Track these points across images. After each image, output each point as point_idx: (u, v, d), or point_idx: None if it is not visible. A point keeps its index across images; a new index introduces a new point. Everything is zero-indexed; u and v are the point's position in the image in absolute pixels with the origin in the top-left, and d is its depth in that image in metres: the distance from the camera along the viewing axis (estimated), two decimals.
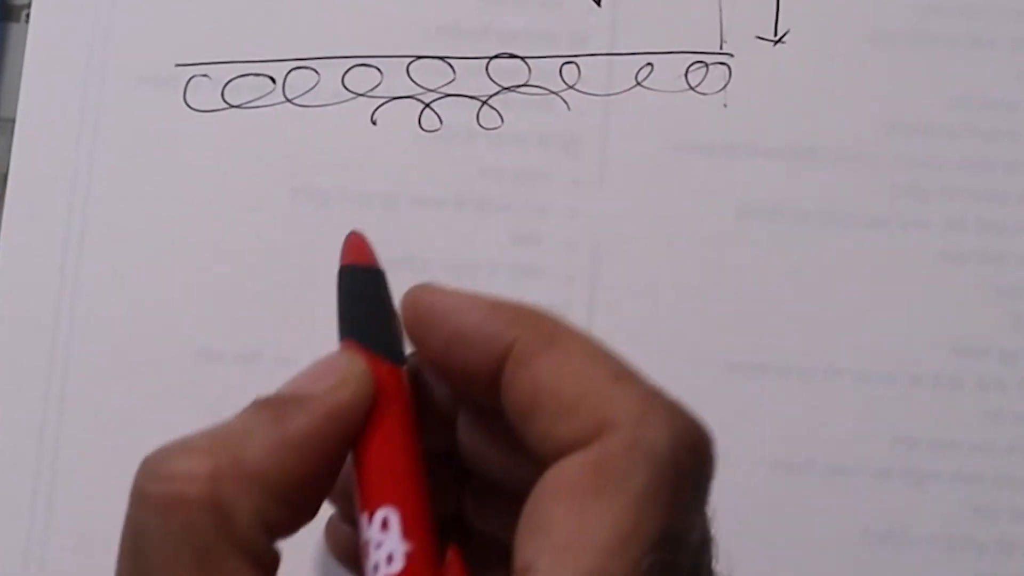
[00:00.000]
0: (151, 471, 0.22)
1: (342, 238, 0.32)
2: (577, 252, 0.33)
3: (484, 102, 0.33)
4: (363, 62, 0.33)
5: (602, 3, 0.33)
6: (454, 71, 0.33)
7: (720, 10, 0.33)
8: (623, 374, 0.22)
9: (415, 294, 0.25)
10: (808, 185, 0.33)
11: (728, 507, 0.31)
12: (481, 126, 0.33)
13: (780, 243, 0.32)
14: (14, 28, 0.35)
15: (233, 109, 0.33)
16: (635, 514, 0.20)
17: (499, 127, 0.33)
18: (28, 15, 0.35)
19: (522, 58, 0.33)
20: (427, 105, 0.33)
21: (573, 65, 0.33)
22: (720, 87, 0.33)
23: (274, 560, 0.22)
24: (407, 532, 0.22)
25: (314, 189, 0.33)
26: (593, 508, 0.20)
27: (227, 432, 0.23)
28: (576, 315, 0.32)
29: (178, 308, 0.32)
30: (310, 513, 0.23)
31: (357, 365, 0.24)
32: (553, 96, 0.33)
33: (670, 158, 0.33)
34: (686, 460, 0.21)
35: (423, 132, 0.33)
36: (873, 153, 0.33)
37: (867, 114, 0.33)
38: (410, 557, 0.22)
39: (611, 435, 0.21)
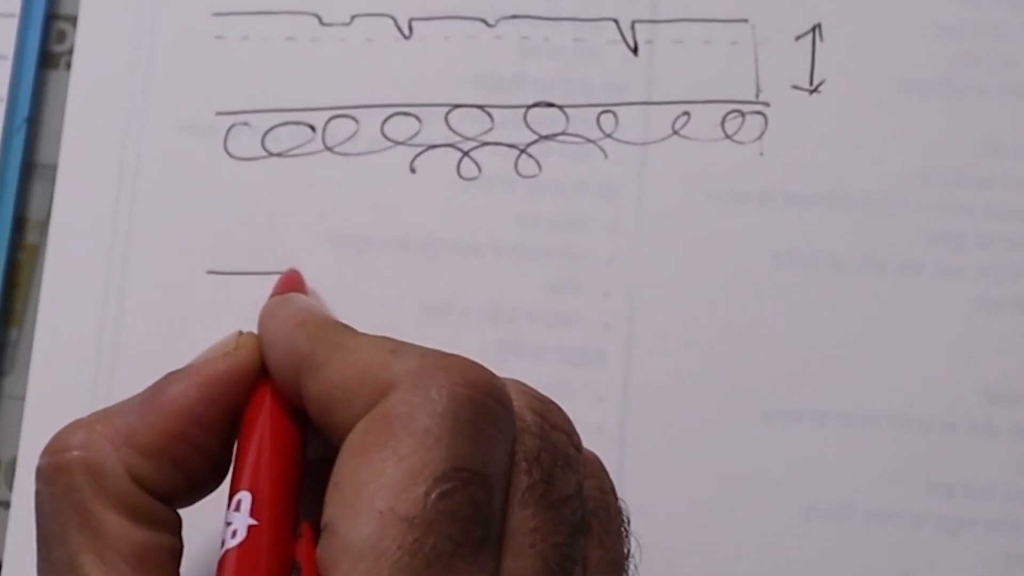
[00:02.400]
0: (44, 448, 0.25)
1: (382, 285, 0.33)
2: (614, 299, 0.33)
3: (522, 150, 0.33)
4: (402, 110, 0.34)
5: (638, 52, 0.34)
6: (492, 120, 0.34)
7: (756, 59, 0.34)
8: (400, 347, 0.23)
9: (270, 300, 0.28)
10: (843, 232, 0.33)
11: (764, 553, 0.32)
12: (519, 174, 0.33)
13: (815, 290, 0.33)
14: (54, 75, 0.35)
15: (273, 157, 0.34)
16: (419, 452, 0.21)
17: (537, 175, 0.33)
18: (69, 62, 0.35)
19: (560, 107, 0.34)
20: (466, 153, 0.33)
21: (610, 114, 0.34)
22: (756, 136, 0.33)
23: (166, 518, 0.24)
24: (255, 512, 0.23)
25: (354, 237, 0.33)
26: (379, 456, 0.21)
27: (112, 407, 0.25)
28: (613, 362, 0.32)
29: None
30: (206, 479, 0.25)
31: (244, 340, 0.26)
32: (590, 144, 0.33)
33: (706, 206, 0.33)
34: (466, 398, 0.22)
35: (462, 180, 0.33)
36: (907, 200, 0.33)
37: (901, 162, 0.33)
38: (253, 530, 0.23)
39: (393, 392, 0.22)
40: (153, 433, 0.24)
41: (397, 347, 0.23)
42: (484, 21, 0.34)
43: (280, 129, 0.34)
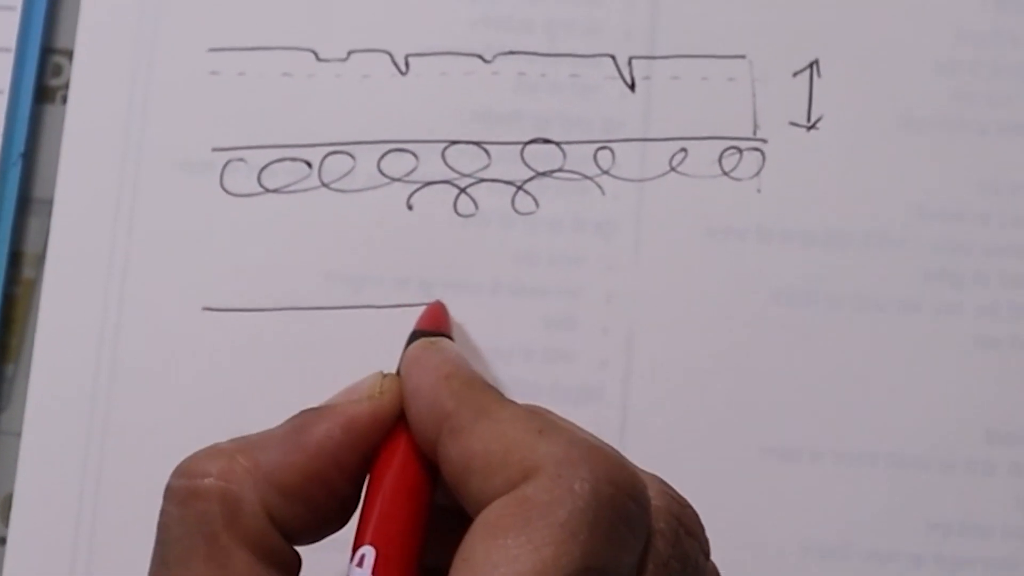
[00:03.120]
0: (179, 469, 0.24)
1: (376, 323, 0.33)
2: (611, 337, 0.33)
3: (519, 187, 0.33)
4: (399, 147, 0.34)
5: (636, 88, 0.34)
6: (489, 156, 0.34)
7: (753, 96, 0.34)
8: (548, 427, 0.23)
9: (417, 342, 0.27)
10: (841, 270, 0.33)
11: None
12: (516, 211, 0.33)
13: (813, 327, 0.33)
14: (50, 109, 0.35)
15: (270, 194, 0.34)
16: (554, 546, 0.21)
17: (534, 212, 0.33)
18: (65, 96, 0.35)
19: (557, 143, 0.34)
20: (462, 190, 0.33)
21: (607, 150, 0.33)
22: (754, 172, 0.33)
23: (289, 559, 0.24)
24: (378, 570, 0.23)
25: (349, 274, 0.33)
26: (514, 541, 0.21)
27: (253, 437, 0.25)
28: (610, 400, 0.32)
29: (214, 391, 0.33)
30: (332, 519, 0.25)
31: (386, 383, 0.26)
32: (588, 181, 0.33)
33: (704, 243, 0.33)
34: (607, 497, 0.22)
35: (458, 217, 0.33)
36: (906, 238, 0.33)
37: (899, 199, 0.33)
38: None
39: (535, 478, 0.22)
40: (295, 473, 0.24)
41: (544, 427, 0.23)
42: (481, 57, 0.34)
43: (276, 165, 0.34)
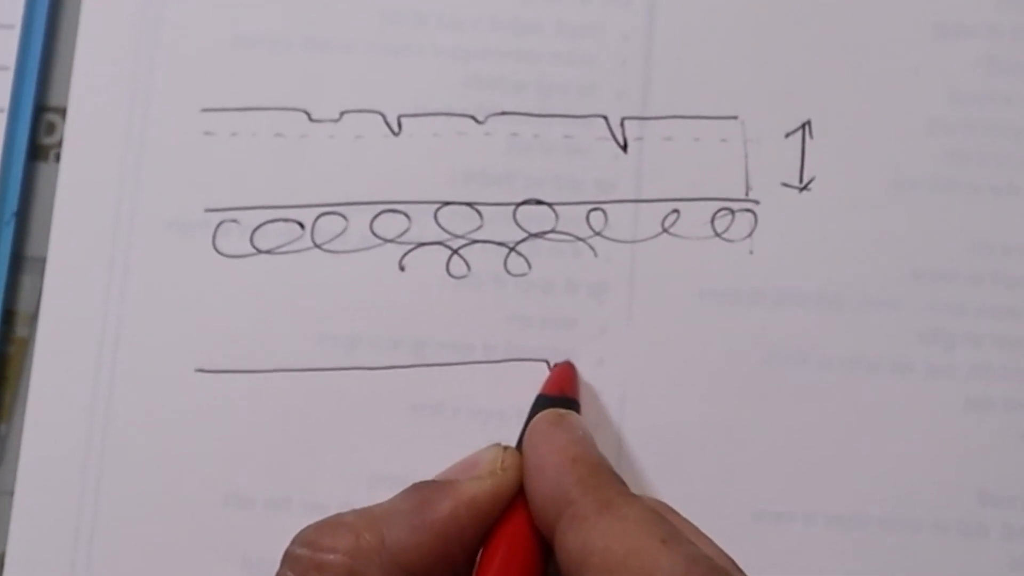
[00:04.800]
0: (303, 538, 0.24)
1: (371, 384, 0.32)
2: (604, 399, 0.33)
3: (512, 248, 0.33)
4: (391, 208, 0.34)
5: (628, 149, 0.34)
6: (481, 217, 0.34)
7: (746, 157, 0.34)
8: (671, 537, 0.23)
9: (544, 415, 0.27)
10: (834, 331, 0.33)
11: None
12: (509, 272, 0.33)
13: (806, 389, 0.33)
14: (43, 168, 0.35)
15: (262, 255, 0.34)
16: None
17: (527, 273, 0.33)
18: (58, 155, 0.35)
19: (549, 204, 0.34)
20: (455, 251, 0.33)
21: (600, 211, 0.33)
22: (746, 234, 0.33)
23: None
24: None
25: (342, 335, 0.33)
26: None
27: (376, 511, 0.25)
28: None
29: (207, 452, 0.33)
30: None
31: (508, 458, 0.26)
32: (580, 243, 0.33)
33: (697, 304, 0.33)
34: None
35: (451, 278, 0.33)
36: (898, 299, 0.33)
37: (892, 260, 0.33)
38: None
39: None
40: (420, 553, 0.24)
41: (668, 536, 0.23)
42: (473, 118, 0.34)
43: (269, 226, 0.34)
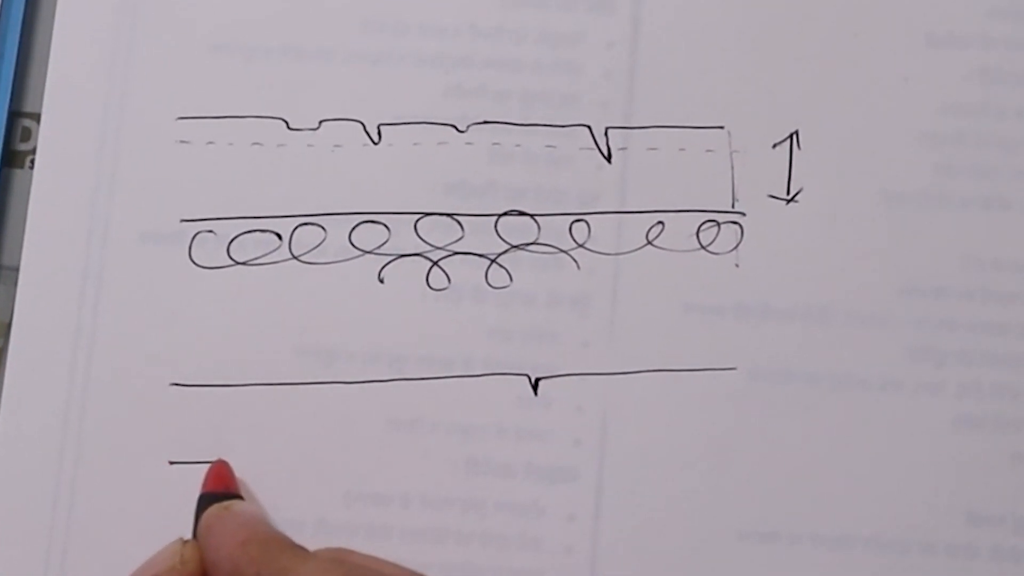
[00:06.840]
0: None
1: (348, 399, 0.32)
2: (585, 415, 0.32)
3: (493, 260, 0.33)
4: (370, 219, 0.33)
5: (612, 159, 0.33)
6: (462, 228, 0.33)
7: (732, 168, 0.33)
8: (351, 572, 0.26)
9: (211, 508, 0.29)
10: (821, 347, 0.32)
11: None
12: (490, 285, 0.33)
13: (792, 407, 0.32)
14: (18, 174, 0.35)
15: (239, 266, 0.33)
16: None
17: (508, 286, 0.33)
18: (32, 161, 0.34)
19: (531, 216, 0.33)
20: (435, 263, 0.33)
21: (583, 223, 0.33)
22: (732, 246, 0.33)
23: None
24: None
25: (320, 349, 0.32)
26: None
27: None
28: (584, 479, 0.32)
29: (182, 471, 0.32)
30: None
31: (187, 551, 0.28)
32: (562, 255, 0.33)
33: (680, 318, 0.32)
34: None
35: (431, 290, 0.33)
36: (886, 315, 0.32)
37: (880, 275, 0.33)
38: None
39: None
40: None
41: (348, 573, 0.25)
42: (455, 127, 0.33)
43: (246, 237, 0.33)
